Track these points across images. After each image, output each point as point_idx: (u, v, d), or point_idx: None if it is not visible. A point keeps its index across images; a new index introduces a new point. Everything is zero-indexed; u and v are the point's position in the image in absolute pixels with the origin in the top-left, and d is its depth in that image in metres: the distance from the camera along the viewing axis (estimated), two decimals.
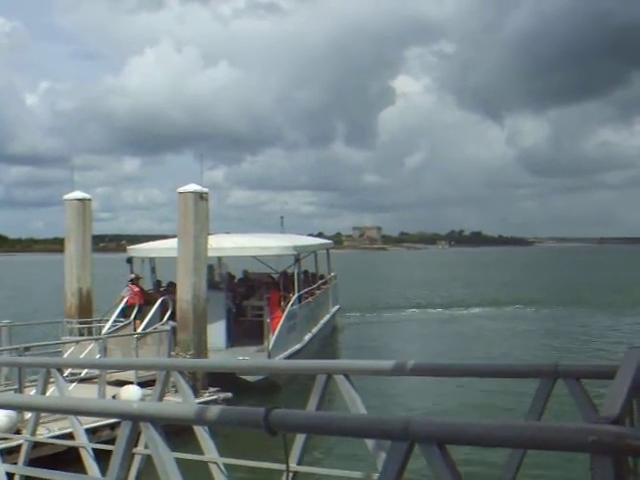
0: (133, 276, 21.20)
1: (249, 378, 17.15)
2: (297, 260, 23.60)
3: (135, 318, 19.45)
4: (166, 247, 20.71)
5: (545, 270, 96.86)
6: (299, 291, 22.61)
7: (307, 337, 23.35)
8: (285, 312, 20.94)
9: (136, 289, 20.59)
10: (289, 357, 20.11)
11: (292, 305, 21.59)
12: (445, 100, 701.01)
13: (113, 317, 19.64)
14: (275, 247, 23.76)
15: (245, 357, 18.98)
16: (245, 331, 21.67)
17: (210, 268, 22.16)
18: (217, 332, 20.41)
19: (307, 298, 24.27)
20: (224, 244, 22.50)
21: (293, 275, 23.27)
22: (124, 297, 20.35)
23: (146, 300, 20.10)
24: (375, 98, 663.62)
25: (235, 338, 21.33)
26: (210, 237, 20.69)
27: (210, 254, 20.57)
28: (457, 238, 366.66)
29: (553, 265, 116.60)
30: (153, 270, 23.43)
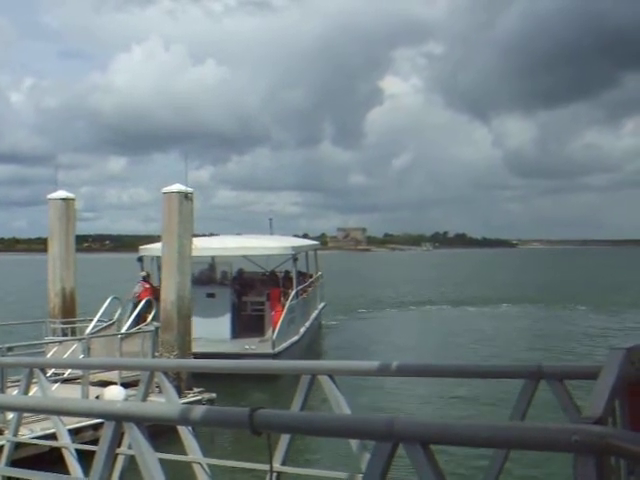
0: (144, 273, 22.63)
1: None
2: (295, 259, 25.42)
3: (144, 312, 19.96)
4: None
5: (529, 271, 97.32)
6: (296, 288, 24.54)
7: (302, 330, 25.23)
8: (286, 306, 22.84)
9: (147, 285, 21.72)
10: (289, 347, 22.22)
11: (292, 300, 23.48)
12: (433, 101, 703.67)
13: (97, 316, 19.56)
14: (275, 247, 26.06)
15: (252, 346, 21.34)
16: (245, 324, 23.33)
17: (212, 266, 25.10)
18: (223, 324, 22.59)
19: (302, 294, 26.21)
20: (228, 244, 25.25)
21: (288, 273, 25.67)
22: (135, 292, 21.48)
23: (156, 295, 20.48)
24: (363, 98, 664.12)
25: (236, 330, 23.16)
26: (213, 238, 25.52)
27: (211, 253, 24.39)
28: (441, 240, 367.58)
29: (537, 266, 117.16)
30: (159, 268, 24.23)
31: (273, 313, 22.46)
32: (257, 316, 23.59)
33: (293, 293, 24.02)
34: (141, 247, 24.69)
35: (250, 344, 21.57)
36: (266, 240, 27.84)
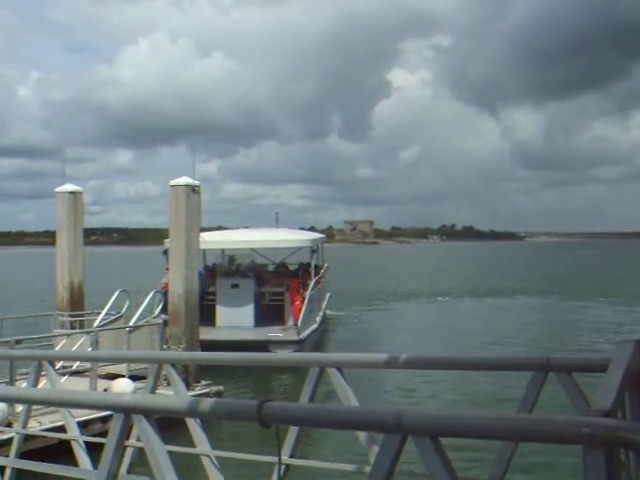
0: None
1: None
2: (313, 252, 27.47)
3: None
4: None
5: (537, 264, 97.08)
6: (313, 279, 26.02)
7: (318, 319, 26.69)
8: (307, 296, 24.25)
9: None
10: (310, 335, 23.81)
11: (311, 291, 24.80)
12: (441, 93, 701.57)
13: (105, 309, 19.61)
14: (296, 240, 28.25)
15: (278, 334, 22.58)
16: (264, 313, 24.43)
17: (232, 258, 27.20)
18: (247, 313, 23.99)
19: (318, 285, 27.49)
20: (254, 237, 27.25)
21: (304, 265, 27.31)
22: (162, 283, 22.41)
23: None
24: (371, 91, 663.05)
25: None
26: (233, 231, 28.80)
27: (233, 246, 27.00)
28: (449, 232, 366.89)
29: (545, 259, 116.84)
30: None
31: (297, 303, 23.70)
32: (275, 306, 24.68)
33: (312, 284, 25.37)
34: (166, 240, 25.22)
35: (272, 332, 22.70)
36: (285, 233, 29.45)
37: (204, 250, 25.18)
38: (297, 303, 23.84)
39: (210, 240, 24.30)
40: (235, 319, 23.55)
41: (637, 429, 2.48)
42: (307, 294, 24.47)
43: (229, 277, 25.17)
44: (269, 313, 24.42)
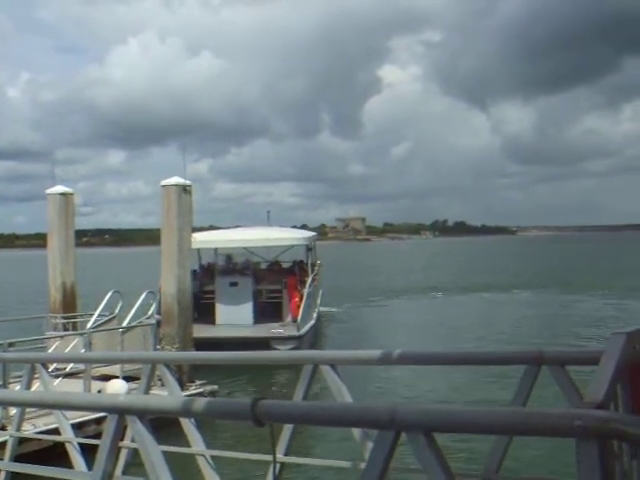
0: None
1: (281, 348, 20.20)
2: (309, 249, 28.33)
3: None
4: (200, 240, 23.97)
5: (530, 258, 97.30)
6: (310, 276, 26.56)
7: (315, 314, 27.27)
8: (305, 293, 24.76)
9: None
10: (309, 330, 24.33)
11: (309, 287, 25.30)
12: (432, 89, 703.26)
13: (98, 310, 19.56)
14: (292, 238, 28.72)
15: (278, 330, 23.04)
16: (261, 310, 24.80)
17: (229, 257, 27.44)
18: (246, 310, 24.35)
19: (314, 282, 28.07)
20: (249, 236, 27.71)
21: (301, 263, 28.11)
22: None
23: None
24: (362, 88, 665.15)
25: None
26: (230, 230, 29.56)
27: (227, 245, 27.20)
28: (441, 228, 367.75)
29: (537, 253, 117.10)
30: None
31: (296, 299, 24.18)
32: (273, 303, 25.15)
33: (309, 280, 25.90)
34: None
35: (274, 328, 23.22)
36: (279, 232, 29.84)
37: (199, 250, 25.38)
38: (296, 300, 24.26)
39: (203, 240, 24.59)
40: (234, 317, 23.92)
41: (629, 420, 2.49)
42: (305, 291, 24.89)
43: (227, 276, 25.52)
44: (267, 310, 24.78)
